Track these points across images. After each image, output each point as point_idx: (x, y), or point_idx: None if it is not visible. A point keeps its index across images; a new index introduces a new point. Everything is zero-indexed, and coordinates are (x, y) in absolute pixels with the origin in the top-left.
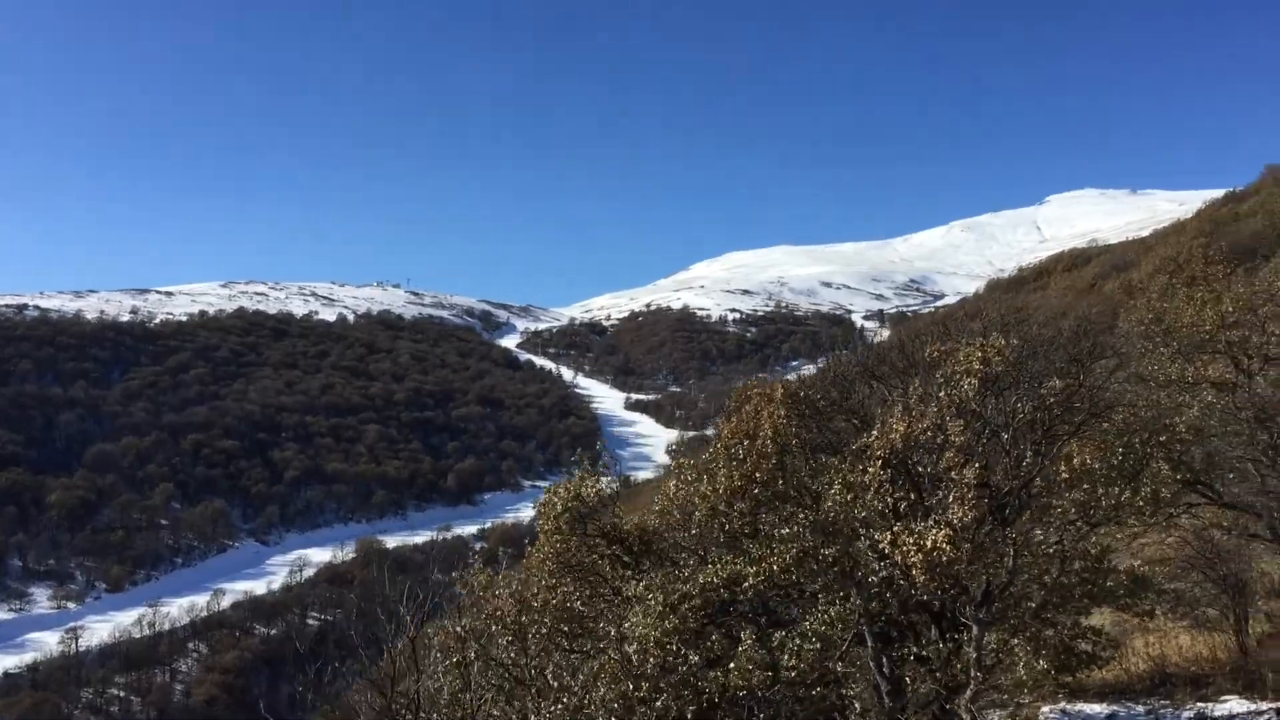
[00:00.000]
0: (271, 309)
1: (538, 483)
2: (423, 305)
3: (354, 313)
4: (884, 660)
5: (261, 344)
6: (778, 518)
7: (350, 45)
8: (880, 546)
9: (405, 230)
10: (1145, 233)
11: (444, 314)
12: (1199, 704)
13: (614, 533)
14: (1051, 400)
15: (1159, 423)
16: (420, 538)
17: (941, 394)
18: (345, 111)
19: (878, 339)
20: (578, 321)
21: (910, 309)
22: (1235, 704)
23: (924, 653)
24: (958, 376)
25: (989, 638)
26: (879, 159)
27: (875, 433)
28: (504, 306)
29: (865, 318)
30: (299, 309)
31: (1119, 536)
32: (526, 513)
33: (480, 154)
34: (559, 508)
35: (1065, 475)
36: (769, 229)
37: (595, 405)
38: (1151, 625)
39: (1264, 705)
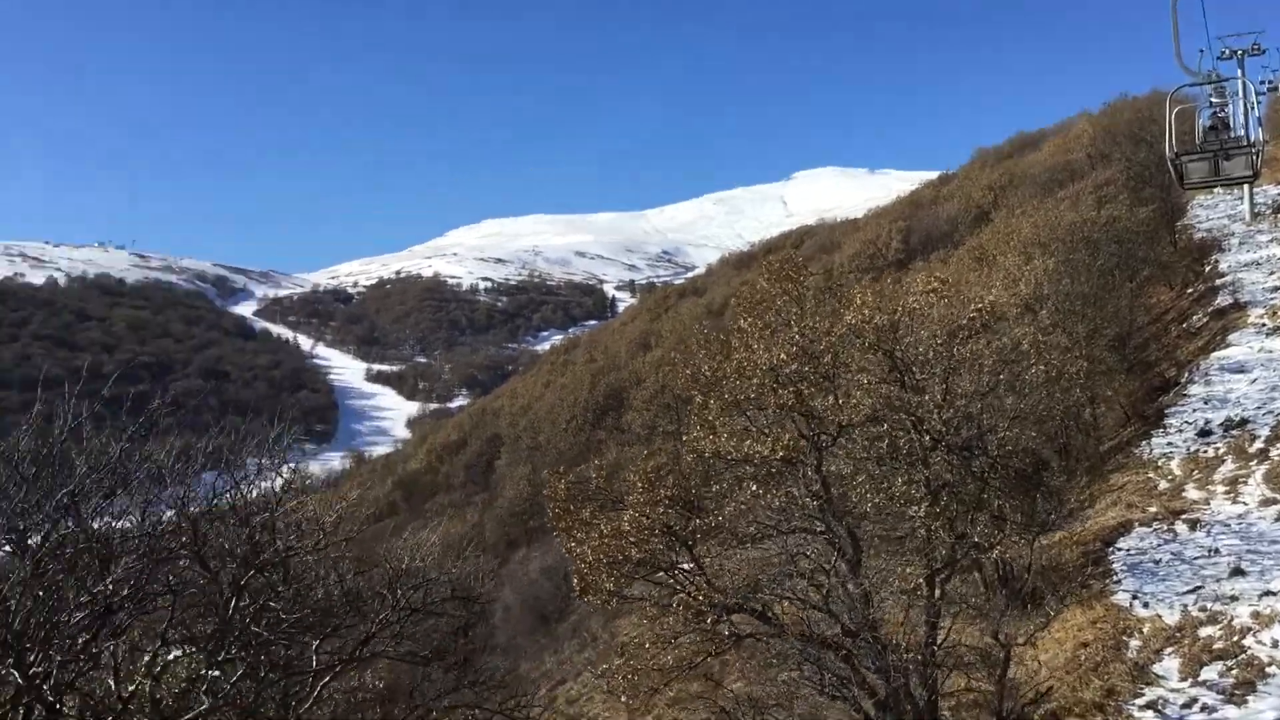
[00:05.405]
0: None
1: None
2: (149, 268)
3: (67, 275)
4: None
5: None
6: None
7: None
8: None
9: (131, 182)
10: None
11: (173, 279)
12: None
13: None
14: None
15: None
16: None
17: None
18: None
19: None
20: (322, 288)
21: (662, 279)
22: None
23: None
24: None
25: None
26: (639, 135)
27: None
28: (242, 271)
29: (617, 288)
30: (0, 271)
31: None
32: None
33: (225, 105)
34: None
35: None
36: (529, 197)
37: (333, 377)
38: None
39: None
